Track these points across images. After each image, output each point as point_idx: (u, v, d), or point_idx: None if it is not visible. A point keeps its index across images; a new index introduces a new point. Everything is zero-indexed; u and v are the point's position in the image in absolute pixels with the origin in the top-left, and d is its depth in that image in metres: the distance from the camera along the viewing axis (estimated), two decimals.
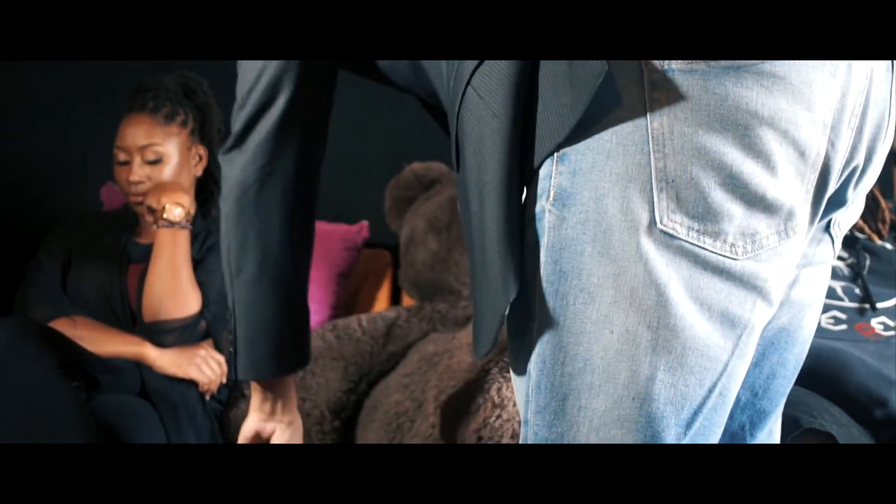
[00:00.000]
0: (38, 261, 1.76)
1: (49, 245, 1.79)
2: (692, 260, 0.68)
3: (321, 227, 2.11)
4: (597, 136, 0.68)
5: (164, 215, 1.64)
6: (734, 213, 0.68)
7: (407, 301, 2.03)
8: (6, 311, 1.72)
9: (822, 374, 1.24)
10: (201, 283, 1.67)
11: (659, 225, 0.68)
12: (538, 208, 0.71)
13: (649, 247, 0.68)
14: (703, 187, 0.67)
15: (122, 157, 1.71)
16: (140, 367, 1.61)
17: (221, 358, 1.65)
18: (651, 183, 0.67)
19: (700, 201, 0.67)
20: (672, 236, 0.68)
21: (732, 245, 0.69)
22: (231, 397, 1.70)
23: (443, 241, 1.76)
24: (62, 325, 1.58)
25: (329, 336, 1.69)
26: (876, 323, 1.37)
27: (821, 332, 1.37)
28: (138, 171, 1.70)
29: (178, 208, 1.65)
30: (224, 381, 1.65)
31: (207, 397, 1.64)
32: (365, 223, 2.20)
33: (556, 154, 0.70)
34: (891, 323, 1.37)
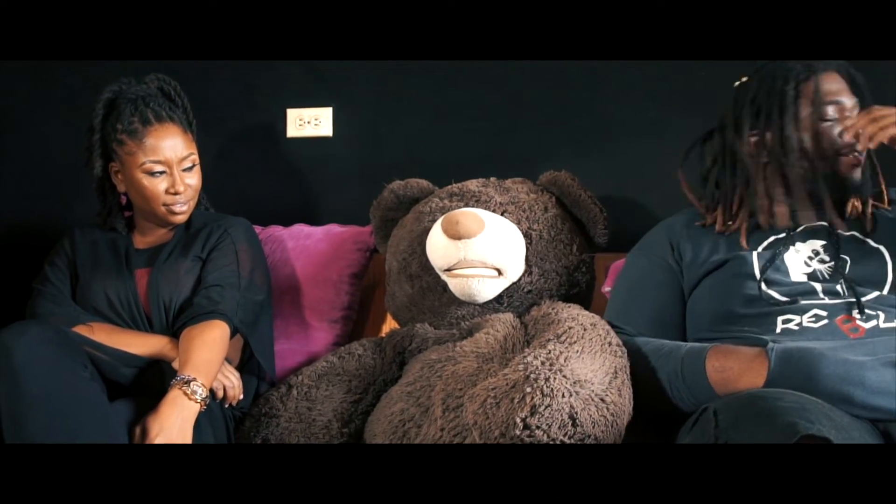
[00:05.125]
0: (44, 275, 1.78)
1: (53, 259, 1.81)
2: None
3: (332, 229, 2.11)
4: None
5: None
6: None
7: None
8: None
9: (796, 377, 1.24)
10: (213, 285, 1.69)
11: None
12: None
13: None
14: None
15: (158, 168, 1.72)
16: (162, 365, 1.61)
17: (237, 374, 1.67)
18: None
19: None
20: None
21: None
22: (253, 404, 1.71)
23: (415, 286, 1.75)
24: (80, 332, 1.57)
25: (332, 358, 1.72)
26: (856, 313, 1.38)
27: (803, 331, 1.38)
28: (181, 182, 1.73)
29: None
30: (241, 395, 1.66)
31: (226, 405, 1.64)
32: None
33: None
34: (872, 313, 1.37)
